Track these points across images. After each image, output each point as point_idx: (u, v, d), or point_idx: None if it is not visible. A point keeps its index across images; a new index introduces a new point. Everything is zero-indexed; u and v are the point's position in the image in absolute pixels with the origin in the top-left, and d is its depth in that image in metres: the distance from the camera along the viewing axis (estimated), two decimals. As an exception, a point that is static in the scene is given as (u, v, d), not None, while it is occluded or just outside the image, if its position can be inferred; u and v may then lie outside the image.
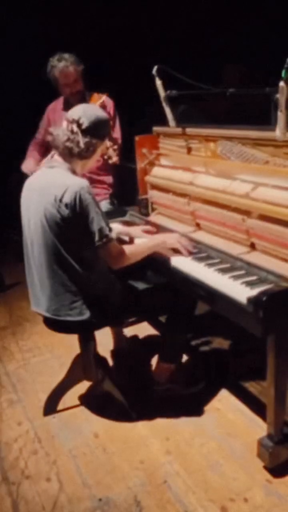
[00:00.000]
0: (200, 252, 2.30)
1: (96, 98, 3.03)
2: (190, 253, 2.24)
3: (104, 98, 3.02)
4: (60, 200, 1.96)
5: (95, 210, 1.99)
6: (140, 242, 2.37)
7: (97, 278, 2.13)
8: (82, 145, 2.06)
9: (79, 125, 2.06)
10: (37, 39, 4.85)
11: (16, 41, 5.10)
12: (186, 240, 2.30)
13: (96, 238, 2.01)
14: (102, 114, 2.17)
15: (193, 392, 2.51)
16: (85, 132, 2.06)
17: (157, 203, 2.91)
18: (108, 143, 2.87)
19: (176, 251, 2.26)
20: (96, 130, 2.09)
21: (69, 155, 2.09)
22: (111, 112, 3.09)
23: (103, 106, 3.02)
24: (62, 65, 2.90)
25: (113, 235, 2.12)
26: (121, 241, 2.39)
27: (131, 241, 2.46)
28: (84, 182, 2.02)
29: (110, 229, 2.07)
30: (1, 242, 4.98)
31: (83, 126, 2.06)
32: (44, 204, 2.01)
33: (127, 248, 2.15)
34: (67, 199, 1.95)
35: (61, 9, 5.09)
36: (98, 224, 2.00)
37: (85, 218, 1.98)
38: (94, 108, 2.24)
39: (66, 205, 1.96)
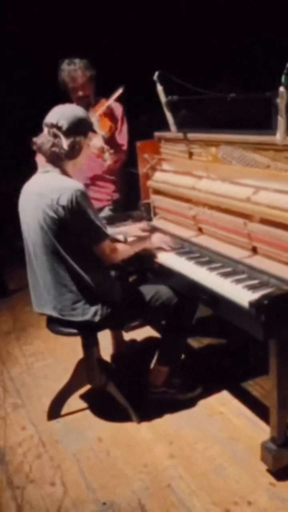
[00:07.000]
0: (202, 256, 2.32)
1: (101, 105, 3.04)
2: (173, 249, 2.44)
3: (109, 103, 3.00)
4: (57, 203, 2.03)
5: (90, 210, 2.09)
6: (130, 241, 2.51)
7: (97, 278, 2.17)
8: (66, 146, 2.11)
9: (59, 128, 2.10)
10: (43, 42, 4.89)
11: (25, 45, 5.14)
12: (168, 238, 2.50)
13: (92, 236, 2.12)
14: (79, 111, 2.20)
15: (190, 397, 2.51)
16: (67, 133, 2.10)
17: (160, 207, 2.92)
18: (105, 147, 2.90)
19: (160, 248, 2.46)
20: (78, 128, 2.13)
21: (57, 159, 2.15)
22: (119, 117, 3.10)
23: (110, 112, 3.04)
24: (71, 68, 2.95)
25: (108, 232, 2.20)
26: (114, 239, 2.46)
27: (125, 240, 2.53)
28: (79, 185, 2.10)
29: (105, 227, 2.16)
30: (4, 248, 5.01)
31: (64, 128, 2.10)
32: (42, 207, 2.08)
33: (119, 245, 2.29)
34: (63, 201, 2.03)
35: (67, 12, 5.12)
36: (93, 223, 2.10)
37: (81, 218, 2.06)
38: (70, 107, 2.26)
39: (63, 207, 2.03)
